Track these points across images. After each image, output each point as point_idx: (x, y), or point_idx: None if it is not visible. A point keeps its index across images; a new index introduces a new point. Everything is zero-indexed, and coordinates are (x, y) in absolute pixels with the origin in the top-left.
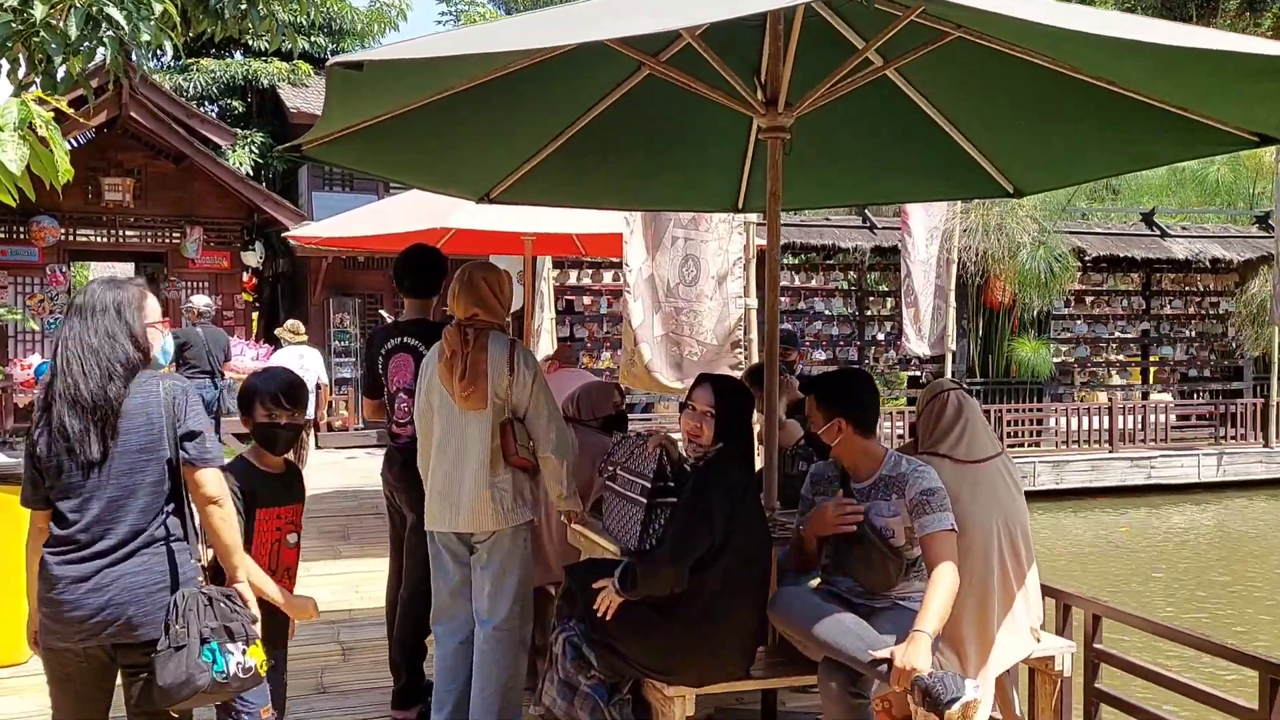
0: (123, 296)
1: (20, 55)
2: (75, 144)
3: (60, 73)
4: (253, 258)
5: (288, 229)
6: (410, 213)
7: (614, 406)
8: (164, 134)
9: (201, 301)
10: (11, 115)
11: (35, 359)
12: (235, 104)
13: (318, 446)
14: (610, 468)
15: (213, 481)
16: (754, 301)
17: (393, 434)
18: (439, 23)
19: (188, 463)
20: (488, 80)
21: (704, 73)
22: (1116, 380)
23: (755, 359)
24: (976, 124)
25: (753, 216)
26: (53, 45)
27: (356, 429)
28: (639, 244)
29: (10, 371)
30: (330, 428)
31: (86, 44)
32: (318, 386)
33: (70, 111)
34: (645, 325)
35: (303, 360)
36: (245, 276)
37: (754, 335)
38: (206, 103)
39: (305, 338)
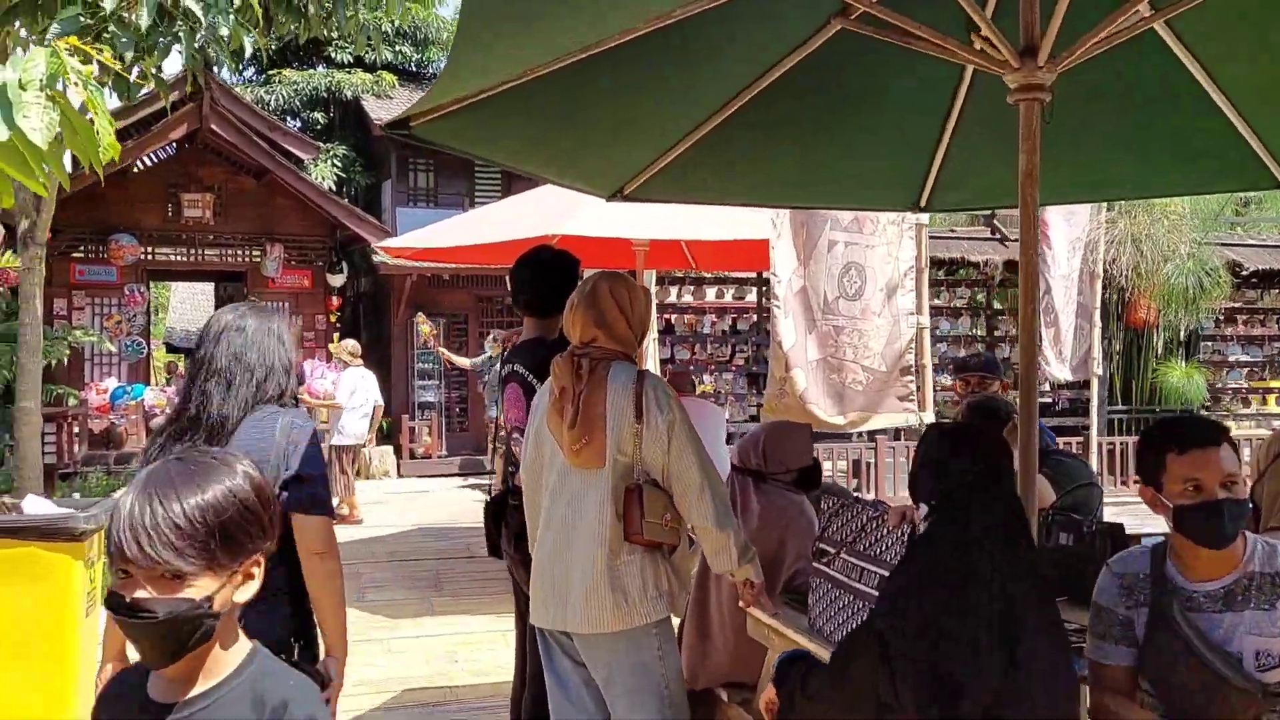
0: (280, 323)
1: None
2: (154, 160)
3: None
4: (338, 279)
5: (370, 246)
6: (510, 220)
7: (810, 455)
8: (245, 148)
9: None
10: (38, 69)
11: (111, 383)
12: (317, 116)
13: (400, 474)
14: (827, 548)
15: (321, 532)
16: (926, 319)
17: (512, 486)
18: None
19: (294, 509)
20: (629, 44)
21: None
22: (1244, 409)
23: (929, 387)
24: (1256, 97)
25: (924, 218)
26: (124, 40)
27: (440, 456)
28: (788, 250)
29: (85, 396)
30: (413, 455)
31: (161, 39)
32: (375, 408)
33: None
34: (798, 348)
35: (364, 380)
36: (332, 299)
37: (928, 360)
38: (289, 116)
39: (361, 359)
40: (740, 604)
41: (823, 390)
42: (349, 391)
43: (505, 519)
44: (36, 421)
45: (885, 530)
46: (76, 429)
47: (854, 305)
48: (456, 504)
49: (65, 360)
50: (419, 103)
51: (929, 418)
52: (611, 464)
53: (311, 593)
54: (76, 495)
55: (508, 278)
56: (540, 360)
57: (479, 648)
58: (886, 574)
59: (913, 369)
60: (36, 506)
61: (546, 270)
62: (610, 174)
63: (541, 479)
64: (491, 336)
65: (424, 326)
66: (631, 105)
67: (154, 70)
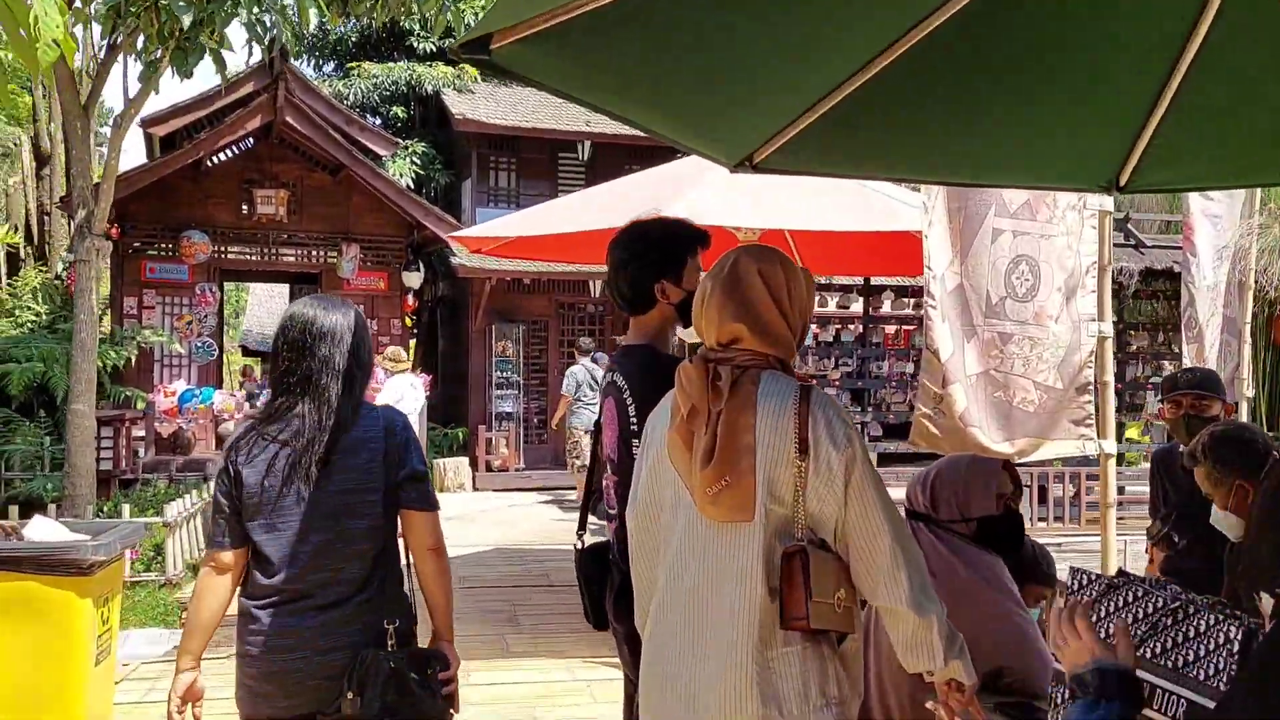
0: (359, 318)
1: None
2: (228, 155)
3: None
4: (415, 279)
5: (449, 248)
6: (599, 207)
7: (1002, 500)
8: (321, 142)
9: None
10: None
11: (180, 385)
12: (397, 111)
13: (475, 488)
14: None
15: (434, 527)
16: (1109, 327)
17: (615, 544)
18: None
19: (407, 506)
20: None
21: None
22: None
23: (1110, 409)
24: None
25: (1108, 202)
26: (180, 4)
27: (517, 469)
28: (941, 240)
29: (153, 399)
30: (489, 467)
31: (223, 7)
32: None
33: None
34: (955, 358)
35: (415, 390)
36: (409, 299)
37: (1109, 376)
38: (367, 113)
39: (408, 364)
40: (938, 713)
41: (986, 411)
42: (395, 399)
43: (608, 579)
44: (89, 426)
45: (1195, 628)
46: (141, 432)
47: (1024, 308)
48: (535, 522)
49: (133, 361)
50: (497, 10)
51: (1110, 447)
52: (763, 517)
53: (425, 586)
54: (126, 508)
55: (607, 261)
56: (644, 369)
57: (562, 702)
58: (1208, 703)
59: (1089, 388)
60: (43, 531)
61: (654, 247)
62: (738, 137)
63: (658, 533)
64: (579, 345)
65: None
66: (769, 53)
67: (214, 43)
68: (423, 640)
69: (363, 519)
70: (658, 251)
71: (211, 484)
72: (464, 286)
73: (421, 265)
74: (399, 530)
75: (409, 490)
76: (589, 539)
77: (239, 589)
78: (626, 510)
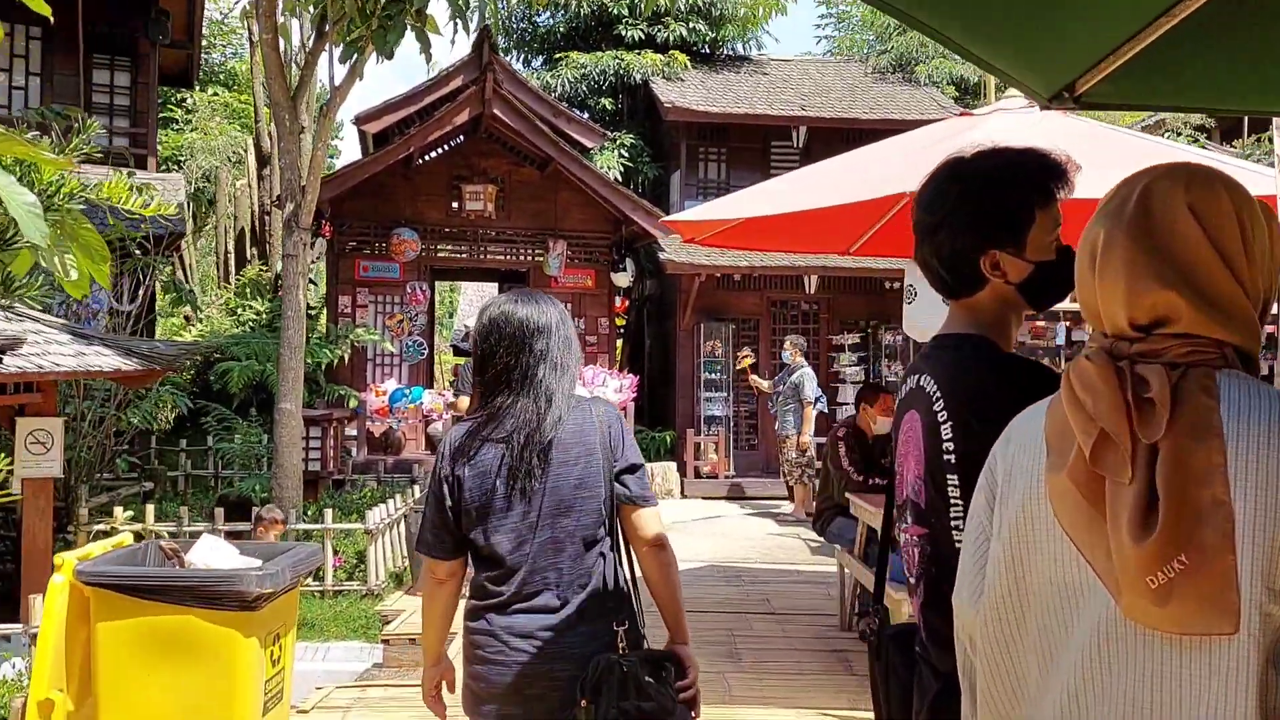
0: (565, 312)
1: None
2: (438, 153)
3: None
4: (624, 278)
5: (658, 243)
6: (839, 181)
7: None
8: (528, 134)
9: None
10: None
11: (391, 384)
12: (604, 102)
13: (683, 494)
14: None
15: (657, 521)
16: None
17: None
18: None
19: (628, 501)
20: None
21: None
22: None
23: None
24: None
25: None
26: None
27: (727, 475)
28: None
29: (365, 398)
30: (697, 473)
31: None
32: None
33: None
34: None
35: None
36: (617, 300)
37: None
38: (574, 106)
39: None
40: None
41: None
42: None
43: (915, 676)
44: (296, 425)
45: None
46: (353, 432)
47: None
48: (749, 536)
49: (346, 359)
50: None
51: None
52: (1254, 626)
53: (652, 584)
54: (329, 513)
55: (915, 236)
56: (973, 370)
57: None
58: None
59: None
60: (208, 554)
61: (980, 197)
62: (1053, 63)
63: (1033, 646)
64: (789, 340)
65: (746, 361)
66: None
67: (416, 20)
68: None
69: (584, 515)
70: (986, 203)
71: (418, 487)
72: (672, 283)
73: (630, 263)
74: (619, 526)
75: (629, 483)
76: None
77: (466, 592)
78: (959, 596)
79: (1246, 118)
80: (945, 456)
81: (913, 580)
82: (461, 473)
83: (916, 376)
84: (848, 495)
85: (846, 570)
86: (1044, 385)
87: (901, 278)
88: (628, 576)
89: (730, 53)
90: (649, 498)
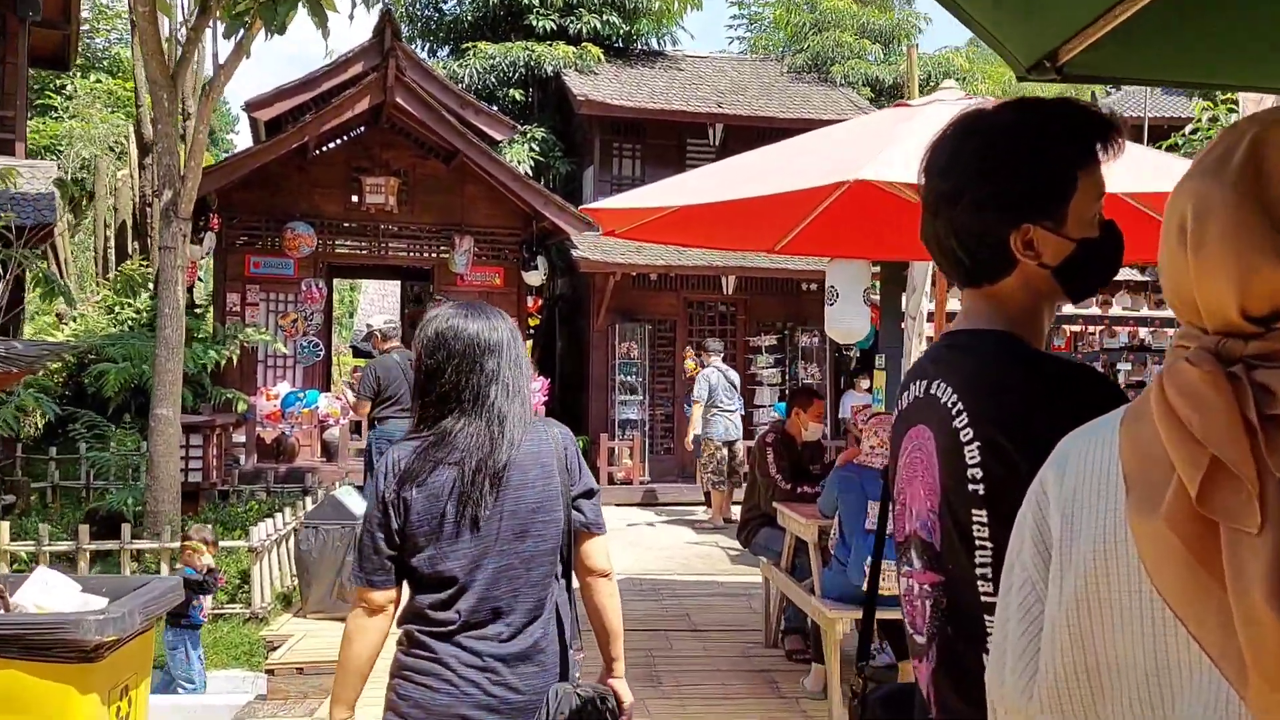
0: (515, 327)
1: None
2: (337, 143)
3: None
4: (536, 277)
5: (571, 240)
6: (768, 170)
7: None
8: (434, 125)
9: (381, 321)
10: None
11: (284, 388)
12: (514, 94)
13: None
14: None
15: (608, 551)
16: None
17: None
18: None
19: (584, 527)
20: None
21: None
22: None
23: None
24: None
25: None
26: None
27: (642, 481)
28: None
29: (255, 402)
30: (611, 480)
31: None
32: None
33: None
34: None
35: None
36: (529, 299)
37: None
38: (483, 98)
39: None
40: None
41: None
42: None
43: None
44: (174, 433)
45: None
46: (242, 438)
47: None
48: (667, 545)
49: (235, 361)
50: None
51: None
52: None
53: (601, 617)
54: (208, 529)
55: (923, 210)
56: (1006, 375)
57: None
58: None
59: None
60: (42, 593)
61: (1011, 157)
62: (1037, 25)
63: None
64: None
65: (689, 362)
66: None
67: None
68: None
69: (542, 540)
70: (1019, 164)
71: (310, 499)
72: (585, 282)
73: (542, 260)
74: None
75: (585, 509)
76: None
77: (398, 617)
78: (1000, 677)
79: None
80: (970, 486)
81: (920, 639)
82: (410, 495)
83: (924, 382)
84: (775, 505)
85: (771, 584)
86: (1099, 394)
87: (820, 279)
88: (574, 605)
89: (645, 48)
90: (603, 525)
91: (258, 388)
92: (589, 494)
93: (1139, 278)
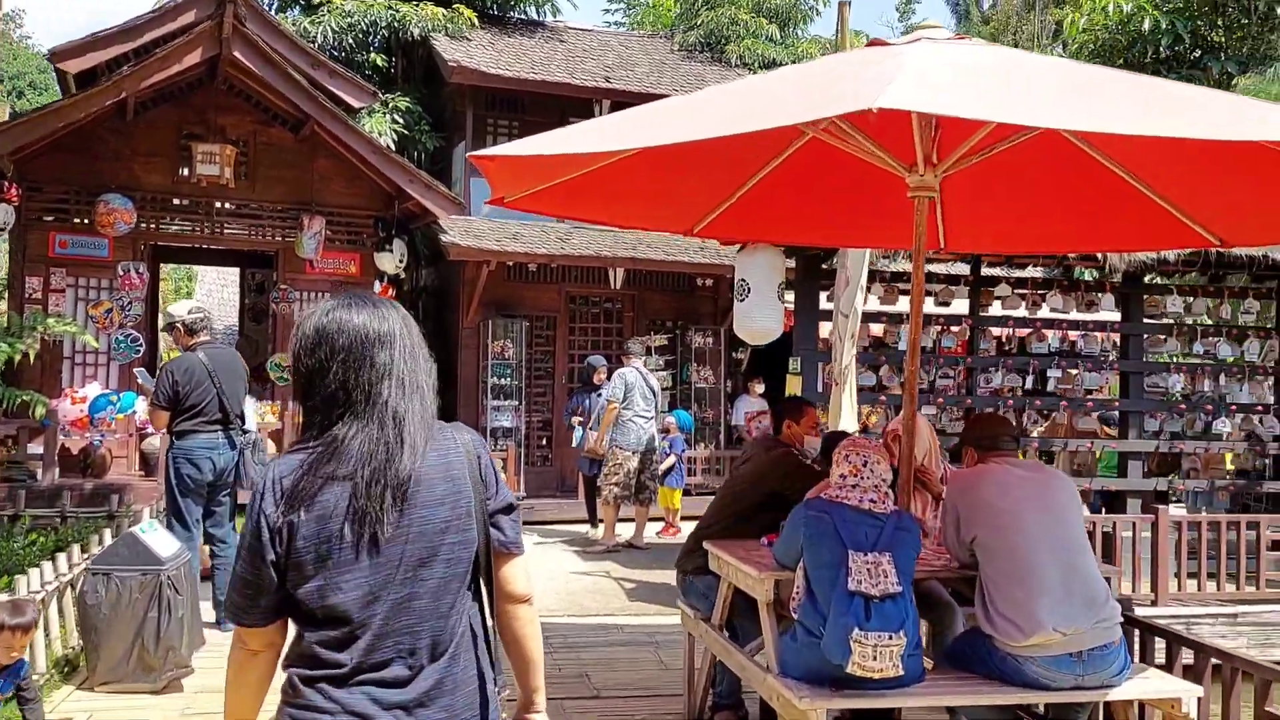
0: (406, 317)
1: None
2: (164, 104)
3: None
4: (389, 261)
5: (438, 223)
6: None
7: None
8: (279, 84)
9: (185, 310)
10: None
11: (94, 389)
12: (375, 59)
13: None
14: None
15: (527, 574)
16: None
17: None
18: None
19: (502, 547)
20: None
21: None
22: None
23: None
24: None
25: None
26: None
27: (518, 498)
28: None
29: (57, 406)
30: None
31: None
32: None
33: None
34: None
35: None
36: (377, 286)
37: None
38: (338, 62)
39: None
40: None
41: None
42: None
43: None
44: None
45: None
46: (39, 449)
47: None
48: (549, 574)
49: (33, 358)
50: None
51: None
52: None
53: (522, 647)
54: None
55: None
56: None
57: None
58: None
59: None
60: None
61: None
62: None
63: None
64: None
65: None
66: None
67: None
68: None
69: (452, 564)
70: None
71: (127, 522)
72: (455, 272)
73: (399, 244)
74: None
75: (504, 526)
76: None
77: (280, 662)
78: None
79: None
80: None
81: None
82: (295, 518)
83: None
84: (707, 545)
85: (697, 641)
86: None
87: (715, 275)
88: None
89: (523, 17)
90: (522, 544)
91: (62, 389)
92: (508, 509)
93: (1068, 277)
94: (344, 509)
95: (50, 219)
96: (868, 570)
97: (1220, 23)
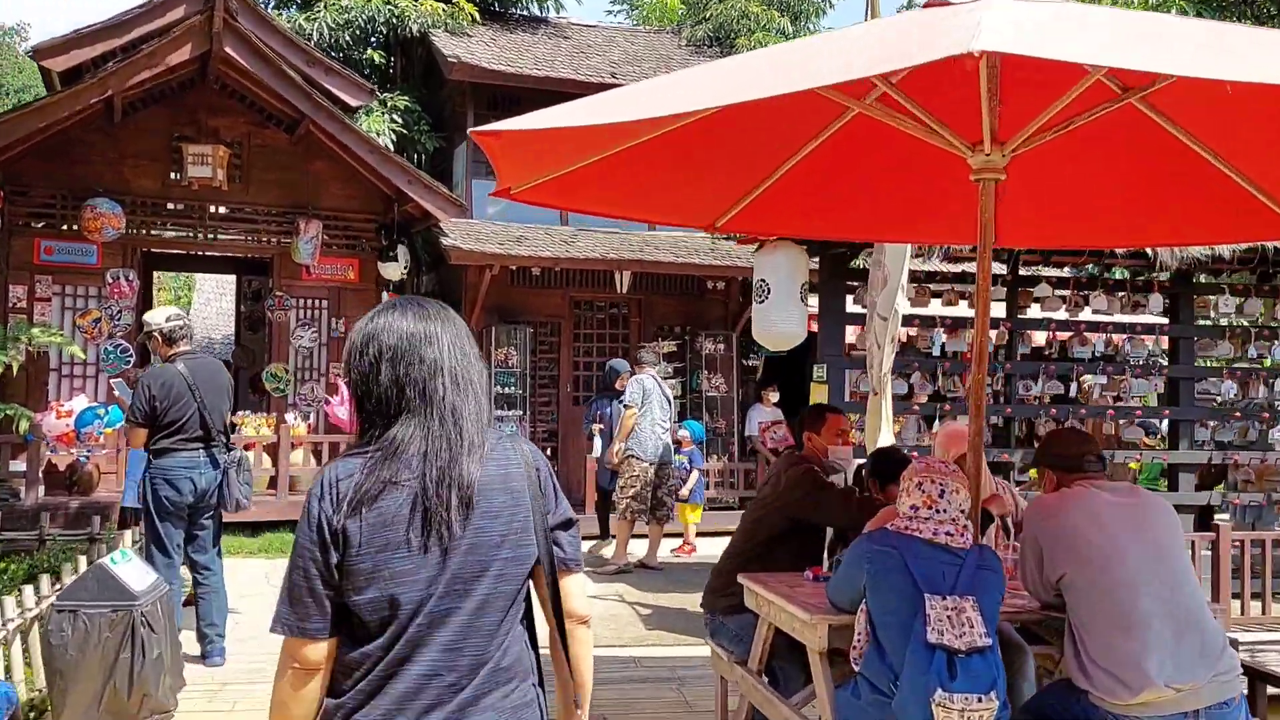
0: (456, 318)
1: None
2: (154, 105)
3: None
4: (395, 269)
5: (438, 226)
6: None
7: None
8: (272, 82)
9: (163, 318)
10: None
11: (80, 402)
12: (373, 56)
13: None
14: None
15: (584, 594)
16: None
17: None
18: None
19: (564, 565)
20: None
21: None
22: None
23: None
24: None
25: None
26: None
27: None
28: None
29: (41, 420)
30: None
31: None
32: None
33: None
34: None
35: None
36: (386, 296)
37: None
38: (336, 61)
39: None
40: None
41: None
42: None
43: None
44: None
45: None
46: (23, 466)
47: None
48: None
49: (16, 368)
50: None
51: None
52: None
53: (576, 665)
54: None
55: None
56: None
57: None
58: None
59: None
60: None
61: None
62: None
63: None
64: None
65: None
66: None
67: None
68: None
69: (501, 581)
70: None
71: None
72: (457, 278)
73: (403, 250)
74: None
75: (564, 542)
76: None
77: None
78: None
79: None
80: None
81: None
82: (354, 522)
83: None
84: (743, 580)
85: (730, 682)
86: None
87: (727, 277)
88: (534, 657)
89: (525, 13)
90: (581, 561)
91: (48, 402)
92: (567, 524)
93: (1117, 275)
94: (406, 514)
95: (36, 225)
96: (949, 618)
97: None
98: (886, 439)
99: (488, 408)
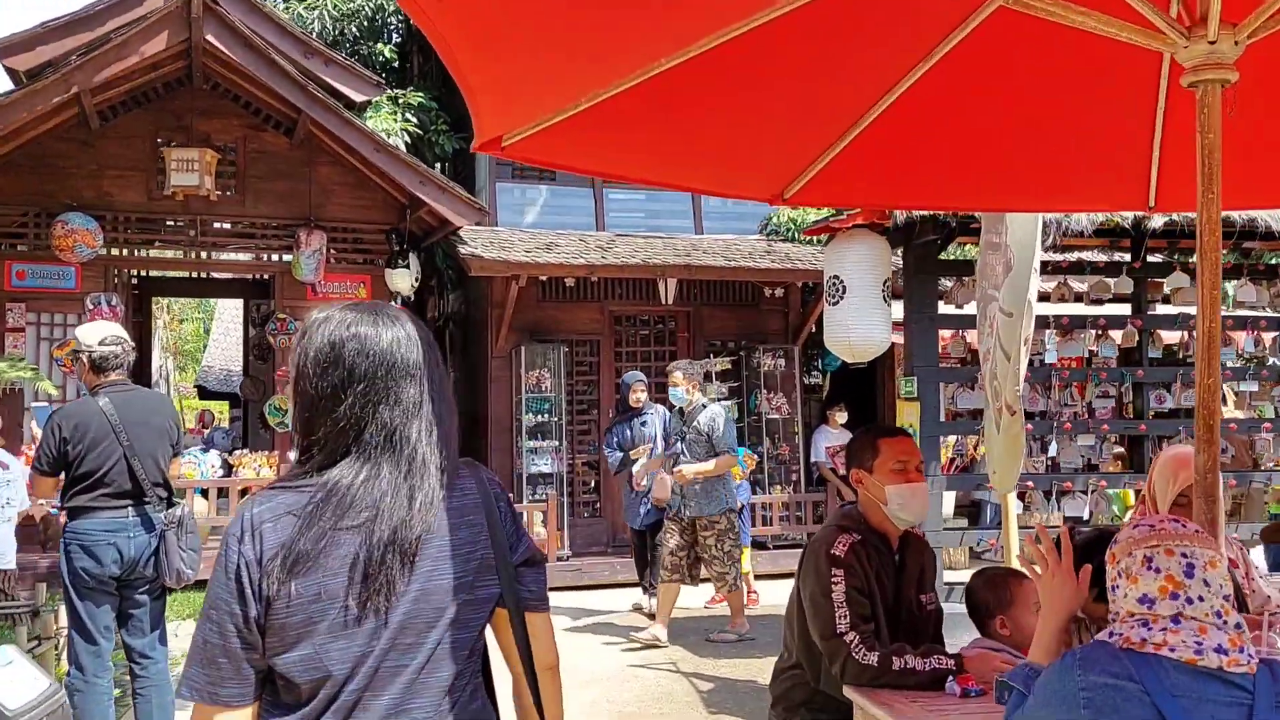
0: (431, 339)
1: None
2: (134, 107)
3: None
4: (403, 279)
5: (459, 235)
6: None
7: None
8: (264, 76)
9: (95, 337)
10: None
11: None
12: (383, 50)
13: None
14: None
15: (552, 636)
16: None
17: None
18: None
19: (528, 604)
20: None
21: None
22: None
23: None
24: None
25: None
26: None
27: (561, 558)
28: None
29: (9, 464)
30: None
31: None
32: None
33: None
34: None
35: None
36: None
37: None
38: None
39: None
40: None
41: None
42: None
43: None
44: None
45: None
46: None
47: None
48: (601, 665)
49: None
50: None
51: None
52: None
53: (544, 713)
54: None
55: None
56: None
57: None
58: None
59: None
60: None
61: None
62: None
63: None
64: (678, 370)
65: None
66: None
67: None
68: None
69: (459, 630)
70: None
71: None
72: (481, 293)
73: (417, 262)
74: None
75: (528, 581)
76: None
77: None
78: None
79: None
80: None
81: None
82: (283, 574)
83: None
84: (851, 693)
85: None
86: None
87: (787, 283)
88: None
89: None
90: (547, 600)
91: (19, 447)
92: (532, 559)
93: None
94: (354, 565)
95: (5, 247)
96: None
97: None
98: (1014, 471)
99: (454, 446)
